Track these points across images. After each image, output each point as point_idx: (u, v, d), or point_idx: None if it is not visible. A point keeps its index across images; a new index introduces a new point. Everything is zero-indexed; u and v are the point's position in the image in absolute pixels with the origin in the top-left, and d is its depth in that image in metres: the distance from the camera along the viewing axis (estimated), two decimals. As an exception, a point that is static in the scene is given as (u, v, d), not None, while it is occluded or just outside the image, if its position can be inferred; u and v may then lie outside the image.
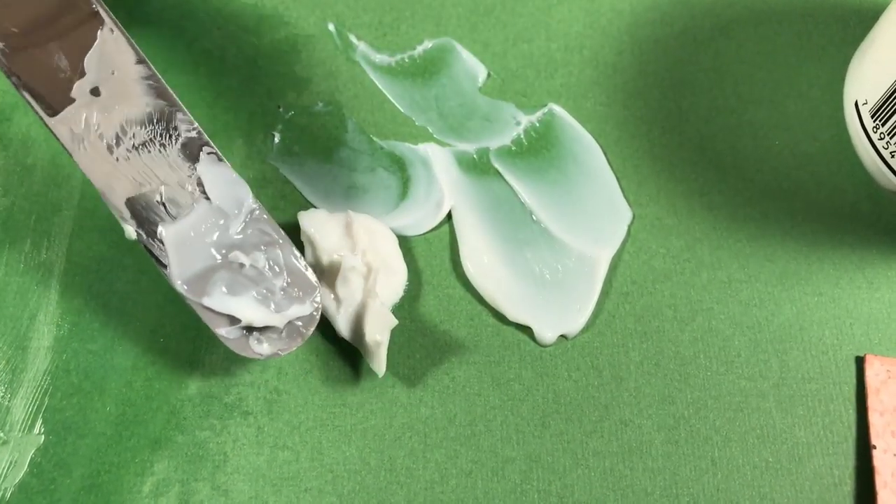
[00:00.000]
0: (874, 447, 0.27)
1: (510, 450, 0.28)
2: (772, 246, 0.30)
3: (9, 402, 0.28)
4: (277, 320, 0.26)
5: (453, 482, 0.27)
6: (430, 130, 0.32)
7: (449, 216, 0.31)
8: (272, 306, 0.26)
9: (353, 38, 0.34)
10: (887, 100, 0.29)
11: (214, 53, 0.34)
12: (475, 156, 0.32)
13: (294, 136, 0.32)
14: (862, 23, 0.34)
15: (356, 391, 0.28)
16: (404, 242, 0.30)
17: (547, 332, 0.29)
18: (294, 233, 0.30)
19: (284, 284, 0.26)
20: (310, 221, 0.29)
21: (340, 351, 0.29)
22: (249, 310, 0.26)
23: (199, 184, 0.26)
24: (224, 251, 0.26)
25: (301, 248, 0.30)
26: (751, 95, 0.33)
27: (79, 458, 0.28)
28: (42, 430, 0.28)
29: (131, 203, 0.25)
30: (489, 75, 0.33)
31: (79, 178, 0.31)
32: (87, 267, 0.30)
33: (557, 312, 0.29)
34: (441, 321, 0.29)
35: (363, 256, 0.29)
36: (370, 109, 0.33)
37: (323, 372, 0.29)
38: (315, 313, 0.26)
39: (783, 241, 0.31)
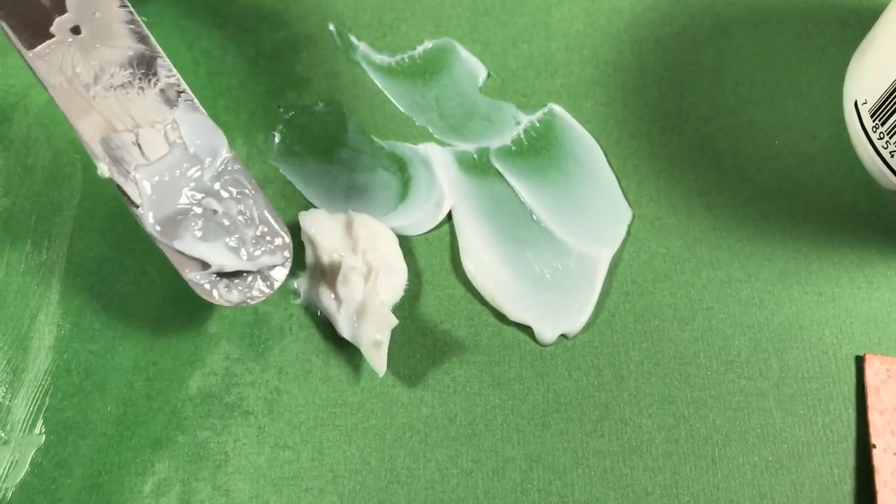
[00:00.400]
0: (874, 446, 0.27)
1: (511, 449, 0.28)
2: (771, 245, 0.31)
3: (10, 401, 0.28)
4: (249, 266, 0.26)
5: (454, 482, 0.27)
6: (431, 130, 0.32)
7: (449, 216, 0.31)
8: (244, 254, 0.26)
9: (353, 39, 0.34)
10: (887, 99, 0.29)
11: (214, 53, 0.34)
12: (475, 156, 0.32)
13: (294, 136, 0.32)
14: (861, 22, 0.34)
15: (357, 391, 0.29)
16: (405, 242, 0.31)
17: (547, 332, 0.29)
18: (295, 233, 0.30)
19: (257, 234, 0.26)
20: (310, 221, 0.29)
21: (341, 350, 0.29)
22: (221, 255, 0.26)
23: (176, 129, 0.26)
24: (197, 197, 0.26)
25: (302, 248, 0.30)
26: (750, 95, 0.33)
27: (80, 458, 0.28)
28: (43, 429, 0.28)
29: (106, 142, 0.25)
30: (489, 75, 0.34)
31: (80, 179, 0.31)
32: (87, 267, 0.30)
33: (558, 312, 0.29)
34: (441, 321, 0.29)
35: (363, 256, 0.29)
36: (370, 109, 0.33)
37: (323, 372, 0.29)
38: (286, 264, 0.27)
39: (783, 240, 0.31)
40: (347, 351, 0.29)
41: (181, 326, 0.29)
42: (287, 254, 0.27)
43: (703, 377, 0.29)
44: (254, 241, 0.26)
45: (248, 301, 0.26)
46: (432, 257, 0.30)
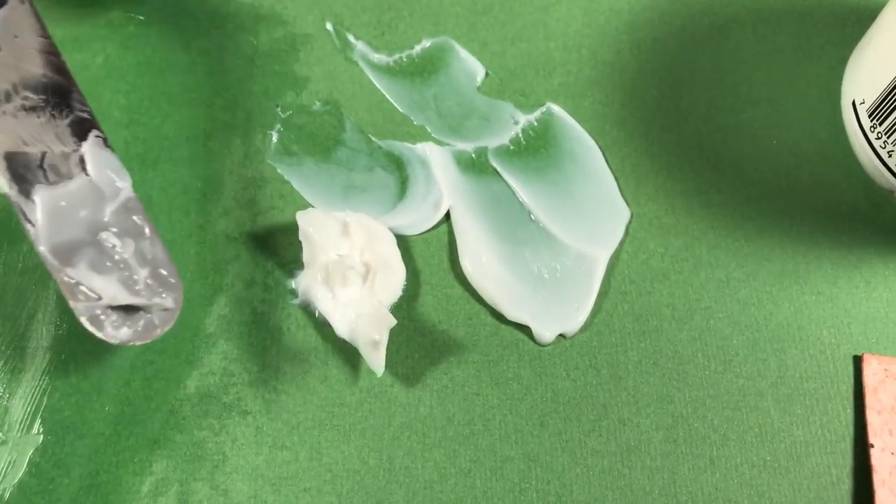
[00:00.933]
0: (872, 446, 0.27)
1: (509, 449, 0.28)
2: (769, 245, 0.31)
3: (7, 401, 0.28)
4: (140, 300, 0.26)
5: (452, 481, 0.27)
6: (429, 130, 0.32)
7: (447, 216, 0.31)
8: (136, 291, 0.26)
9: (351, 38, 0.34)
10: (884, 99, 0.29)
11: (212, 53, 0.34)
12: (473, 155, 0.32)
13: (292, 136, 0.32)
14: (860, 22, 0.34)
15: (355, 391, 0.29)
16: (402, 242, 0.30)
17: (545, 332, 0.29)
18: (292, 232, 0.30)
19: (148, 276, 0.27)
20: (308, 221, 0.29)
21: (339, 351, 0.29)
22: (112, 288, 0.26)
23: (82, 161, 0.27)
24: (95, 230, 0.26)
25: (299, 248, 0.30)
26: (749, 95, 0.33)
27: (77, 458, 0.28)
28: (41, 429, 0.28)
29: (11, 157, 0.26)
30: (487, 74, 0.33)
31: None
32: (85, 267, 0.30)
33: (556, 312, 0.29)
34: (439, 321, 0.29)
35: (361, 256, 0.29)
36: (368, 109, 0.33)
37: (322, 371, 0.29)
38: (175, 309, 0.27)
39: (781, 240, 0.31)
40: (345, 351, 0.29)
41: (179, 326, 0.29)
42: (177, 300, 0.27)
43: (702, 377, 0.29)
44: (146, 282, 0.27)
45: (133, 342, 0.26)
46: (430, 257, 0.30)
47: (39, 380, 0.28)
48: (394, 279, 0.29)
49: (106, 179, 0.27)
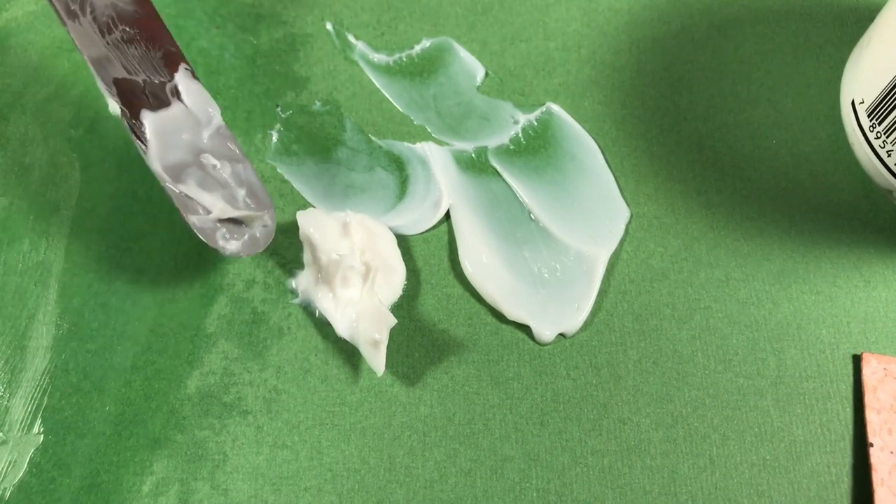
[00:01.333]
0: (871, 445, 0.27)
1: (509, 448, 0.28)
2: (769, 244, 0.31)
3: (8, 401, 0.28)
4: (247, 211, 0.28)
5: (452, 481, 0.27)
6: (429, 129, 0.32)
7: (447, 215, 0.31)
8: (238, 206, 0.29)
9: (351, 38, 0.34)
10: (884, 99, 0.29)
11: (212, 53, 0.34)
12: (473, 155, 0.32)
13: (292, 136, 0.32)
14: (859, 22, 0.34)
15: (355, 390, 0.29)
16: (403, 242, 0.31)
17: (545, 331, 0.29)
18: (293, 232, 0.30)
19: (245, 195, 0.29)
20: (308, 221, 0.29)
21: (339, 350, 0.29)
22: (220, 203, 0.28)
23: (176, 91, 0.29)
24: (197, 152, 0.28)
25: (300, 248, 0.30)
26: (748, 94, 0.33)
27: (78, 458, 0.28)
28: (41, 429, 0.28)
29: (118, 83, 0.28)
30: (487, 74, 0.34)
31: (77, 178, 0.31)
32: (85, 266, 0.30)
33: (556, 311, 0.29)
34: (440, 320, 0.29)
35: (362, 256, 0.29)
36: (368, 109, 0.33)
37: (322, 371, 0.29)
38: (271, 226, 0.29)
39: (780, 239, 0.31)
40: (346, 350, 0.29)
41: (179, 326, 0.29)
42: (272, 217, 0.29)
43: (701, 376, 0.29)
44: (244, 200, 0.29)
45: (241, 254, 0.28)
46: (430, 256, 0.30)
47: (40, 379, 0.28)
48: (394, 279, 0.29)
49: (199, 107, 0.29)
